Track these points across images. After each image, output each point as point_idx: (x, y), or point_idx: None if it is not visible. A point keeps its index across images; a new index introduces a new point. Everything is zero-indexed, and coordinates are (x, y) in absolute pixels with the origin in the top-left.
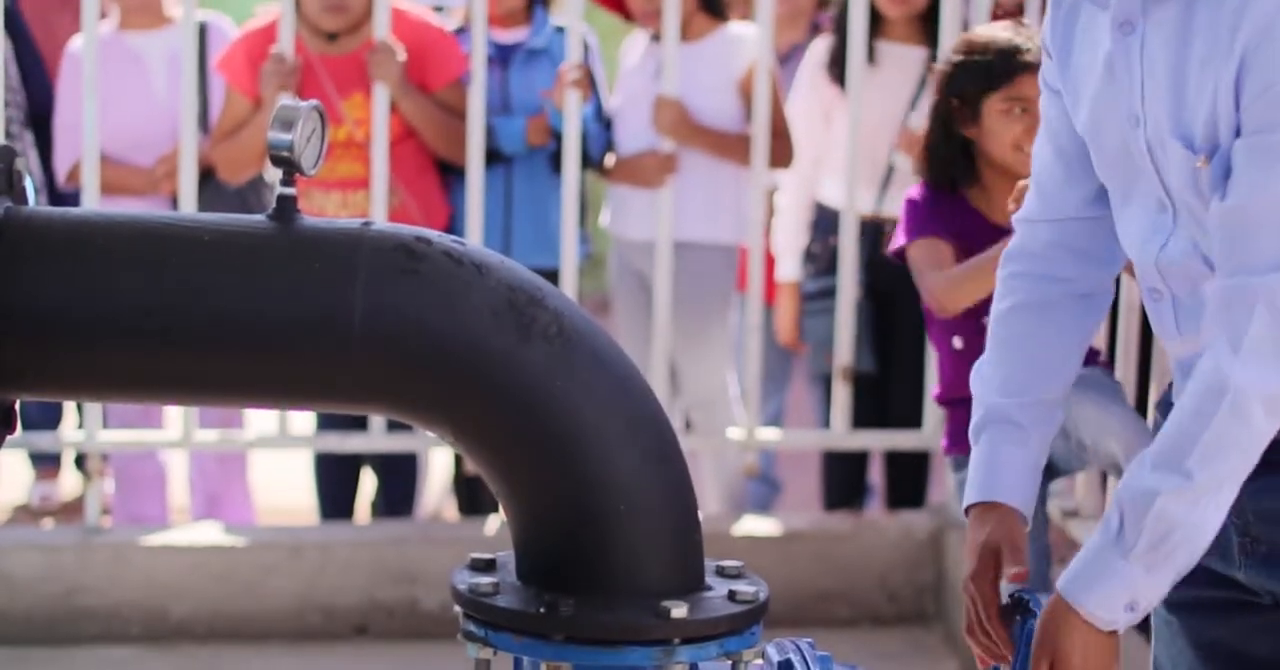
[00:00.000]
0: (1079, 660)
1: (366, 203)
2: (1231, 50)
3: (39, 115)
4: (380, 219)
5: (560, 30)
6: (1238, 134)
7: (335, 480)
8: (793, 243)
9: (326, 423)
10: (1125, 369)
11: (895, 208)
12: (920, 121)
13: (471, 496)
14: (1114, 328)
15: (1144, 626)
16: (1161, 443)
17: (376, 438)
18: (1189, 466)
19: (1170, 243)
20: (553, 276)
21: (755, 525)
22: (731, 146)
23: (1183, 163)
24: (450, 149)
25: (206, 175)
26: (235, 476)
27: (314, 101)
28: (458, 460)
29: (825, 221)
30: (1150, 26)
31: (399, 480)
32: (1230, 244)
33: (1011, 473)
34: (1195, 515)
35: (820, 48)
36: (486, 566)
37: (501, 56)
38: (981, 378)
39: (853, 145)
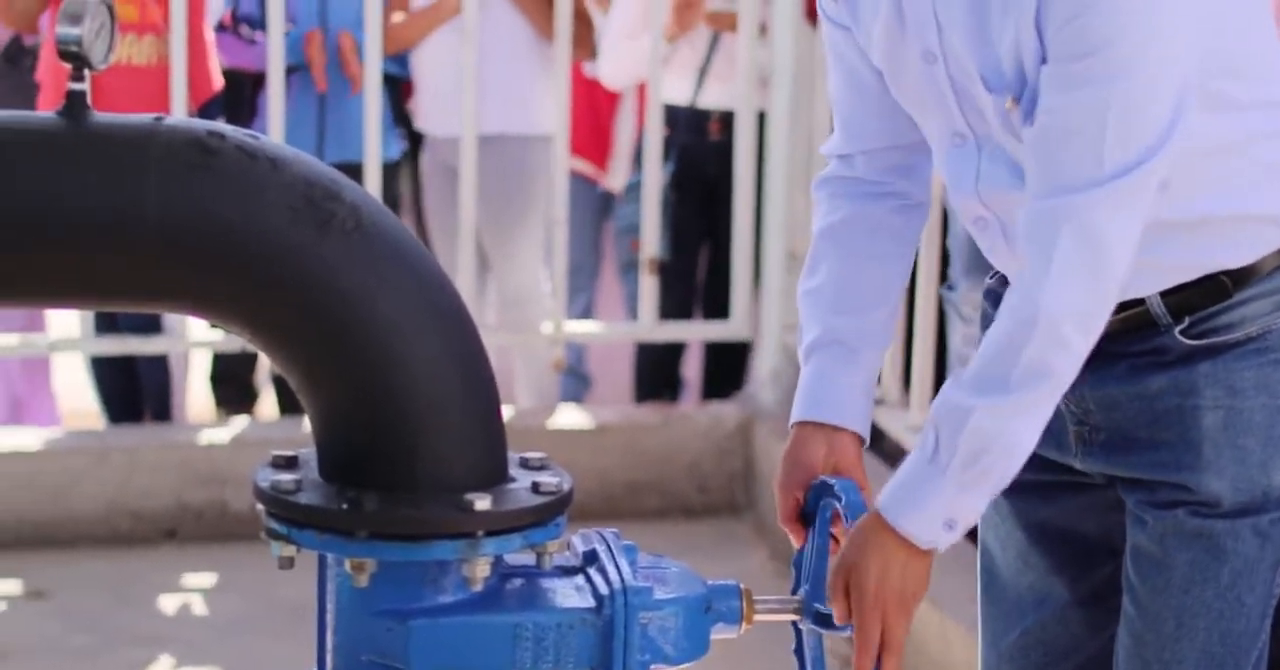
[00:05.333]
0: (877, 577)
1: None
2: None
3: None
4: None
5: None
6: (1043, 62)
7: (116, 382)
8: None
9: (104, 325)
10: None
11: (714, 98)
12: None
13: (287, 395)
14: None
15: None
16: (978, 364)
17: (175, 339)
18: (1005, 386)
19: (983, 172)
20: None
21: (566, 418)
22: (538, 3)
23: (992, 102)
24: None
25: None
26: (39, 381)
27: None
28: (215, 359)
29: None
30: None
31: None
32: (1037, 168)
33: (845, 392)
34: (1010, 433)
35: None
36: (288, 464)
37: None
38: (812, 297)
39: (656, 34)
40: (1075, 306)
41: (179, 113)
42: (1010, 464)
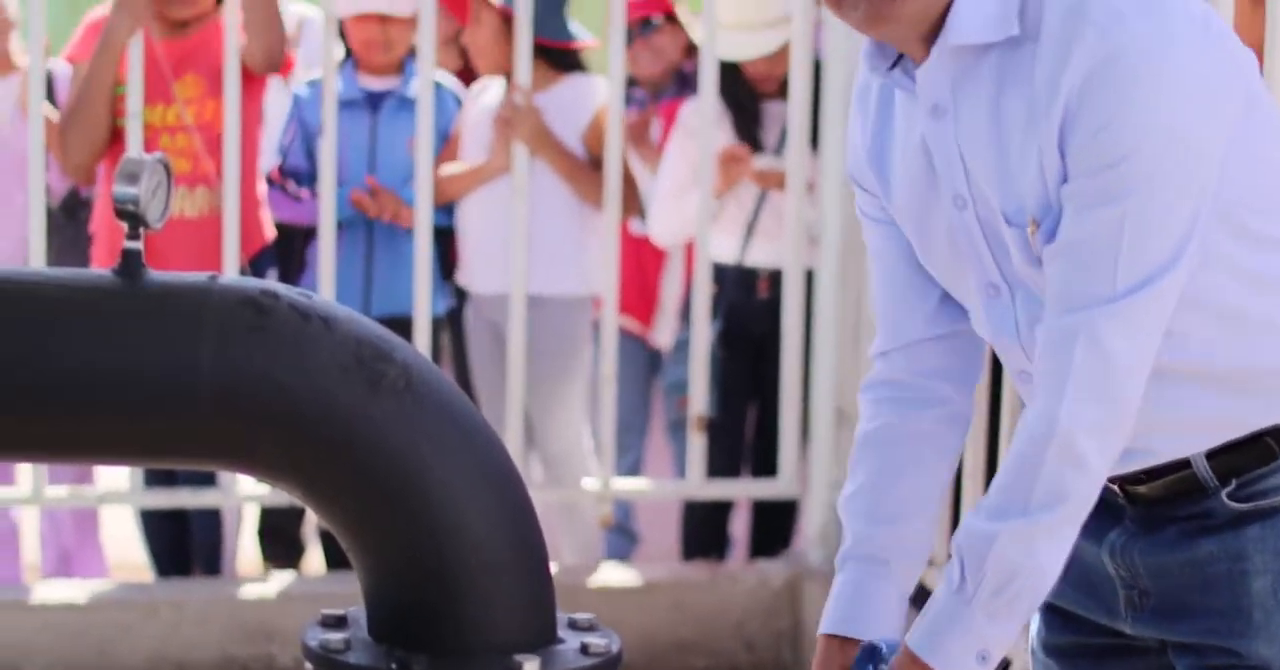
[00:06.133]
0: None
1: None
2: (1052, 108)
3: None
4: (231, 221)
5: (435, 85)
6: (1064, 181)
7: (165, 535)
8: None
9: (154, 477)
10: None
11: (762, 256)
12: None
13: (334, 550)
14: None
15: None
16: (996, 488)
17: (228, 492)
18: (1025, 509)
19: (1021, 322)
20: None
21: (612, 576)
22: (583, 171)
23: (1015, 243)
24: None
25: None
26: (87, 532)
27: (159, 154)
28: (263, 513)
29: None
30: (963, 107)
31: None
32: (1054, 285)
33: (875, 607)
34: (1035, 557)
35: (693, 109)
36: (337, 623)
37: (371, 103)
38: (850, 508)
39: (705, 192)
40: (1090, 423)
41: (231, 265)
42: (1038, 589)
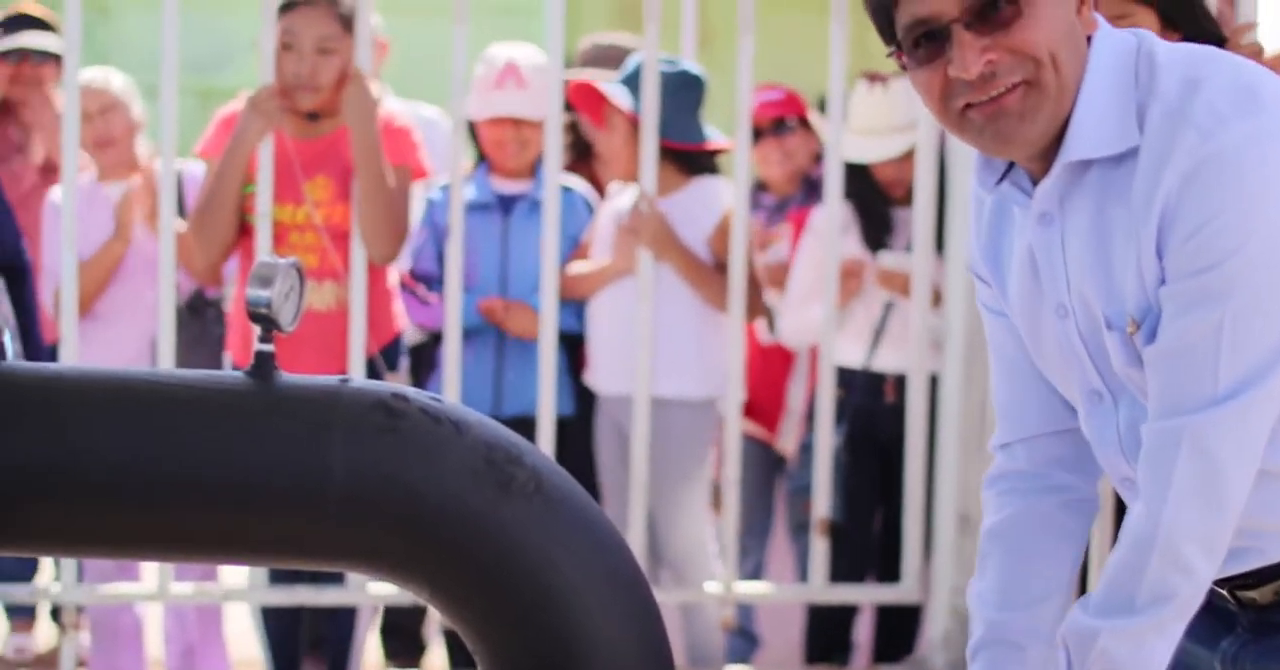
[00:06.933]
0: None
1: (324, 296)
2: (1150, 210)
3: (7, 262)
4: (359, 312)
5: (565, 189)
6: (1162, 283)
7: (283, 632)
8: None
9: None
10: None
11: (889, 361)
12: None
13: (457, 648)
14: None
15: None
16: (1103, 585)
17: (354, 590)
18: (1130, 608)
19: (1123, 429)
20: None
21: None
22: (708, 275)
23: (1116, 345)
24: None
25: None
26: (211, 629)
27: (293, 259)
28: (386, 611)
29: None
30: (1068, 216)
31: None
32: (1156, 389)
33: None
34: (1139, 655)
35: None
36: None
37: (503, 205)
38: (981, 597)
39: (830, 297)
40: (1194, 529)
41: (358, 357)
42: None
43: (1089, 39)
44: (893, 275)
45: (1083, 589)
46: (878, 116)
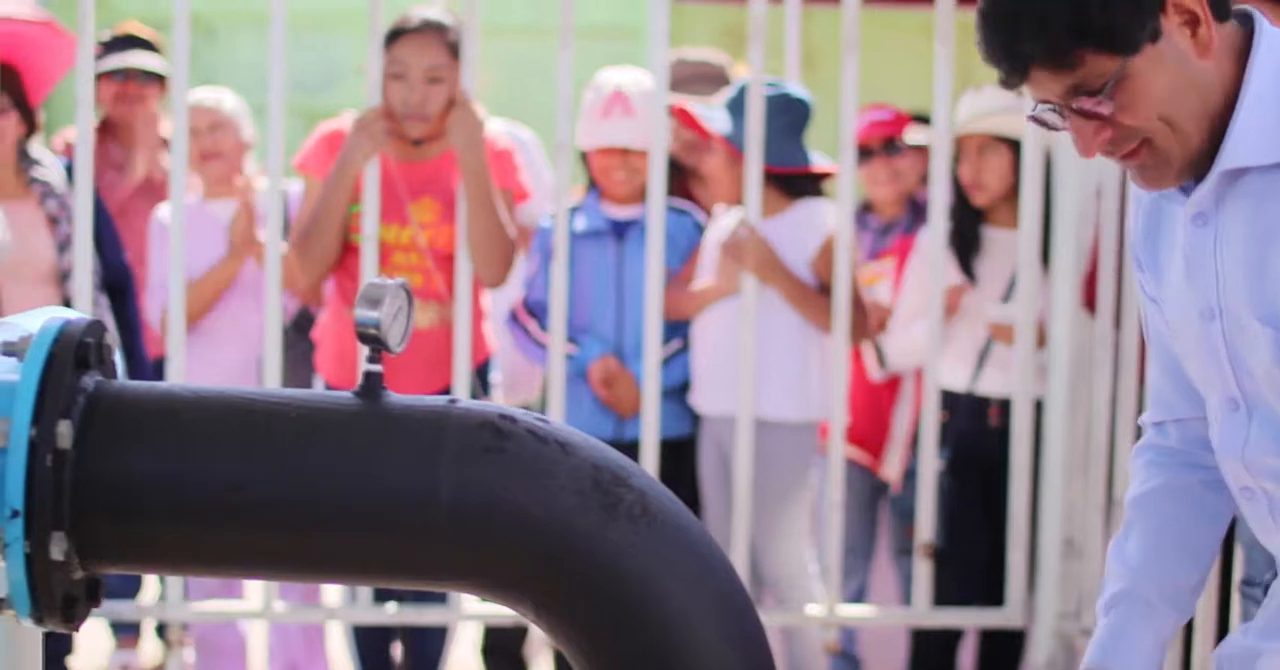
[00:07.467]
0: None
1: (427, 315)
2: None
3: (112, 279)
4: (463, 333)
5: (678, 212)
6: None
7: (374, 651)
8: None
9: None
10: None
11: (993, 385)
12: (1009, 312)
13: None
14: None
15: None
16: (1267, 611)
17: (450, 610)
18: None
19: (1252, 438)
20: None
21: None
22: (811, 297)
23: (1269, 344)
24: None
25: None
26: (315, 646)
27: (401, 280)
28: (486, 632)
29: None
30: (1224, 216)
31: (424, 649)
32: None
33: (1138, 644)
34: None
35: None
36: None
37: (616, 231)
38: (1121, 555)
39: (934, 320)
40: None
41: (463, 377)
42: None
43: (1248, 38)
44: (1001, 327)
45: (1225, 580)
46: (970, 109)
